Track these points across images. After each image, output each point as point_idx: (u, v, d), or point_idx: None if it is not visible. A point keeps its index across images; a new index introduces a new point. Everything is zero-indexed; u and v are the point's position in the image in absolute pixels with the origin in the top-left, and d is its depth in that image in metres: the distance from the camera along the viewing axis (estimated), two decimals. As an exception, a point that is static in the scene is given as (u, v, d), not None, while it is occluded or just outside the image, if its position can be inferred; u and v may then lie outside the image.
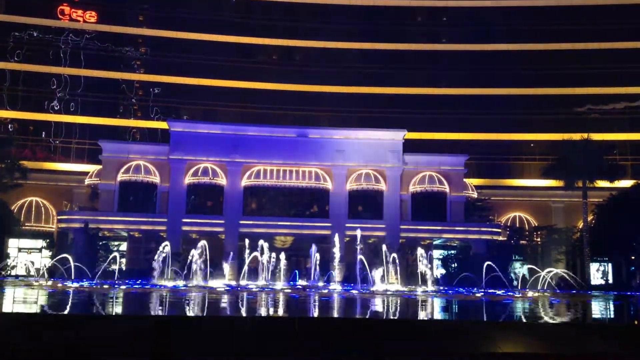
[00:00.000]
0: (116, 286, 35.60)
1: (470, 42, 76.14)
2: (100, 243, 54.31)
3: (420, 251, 47.44)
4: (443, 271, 58.01)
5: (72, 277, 42.41)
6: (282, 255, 46.94)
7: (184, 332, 13.22)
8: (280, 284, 43.01)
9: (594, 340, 13.61)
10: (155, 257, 43.10)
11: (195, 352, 12.50)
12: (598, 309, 28.04)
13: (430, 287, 43.66)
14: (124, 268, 54.40)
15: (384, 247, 48.27)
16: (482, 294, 36.89)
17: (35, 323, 14.05)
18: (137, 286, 37.22)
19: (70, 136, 71.22)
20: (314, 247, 46.66)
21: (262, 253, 44.98)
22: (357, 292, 37.58)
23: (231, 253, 52.43)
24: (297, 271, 50.81)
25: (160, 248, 43.76)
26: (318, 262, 47.84)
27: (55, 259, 48.00)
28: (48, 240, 61.11)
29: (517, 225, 66.24)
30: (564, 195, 65.20)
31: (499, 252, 55.25)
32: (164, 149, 58.95)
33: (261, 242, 45.86)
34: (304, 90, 74.99)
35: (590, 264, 58.56)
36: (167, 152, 58.24)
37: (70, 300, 24.42)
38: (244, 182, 58.00)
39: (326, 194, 58.75)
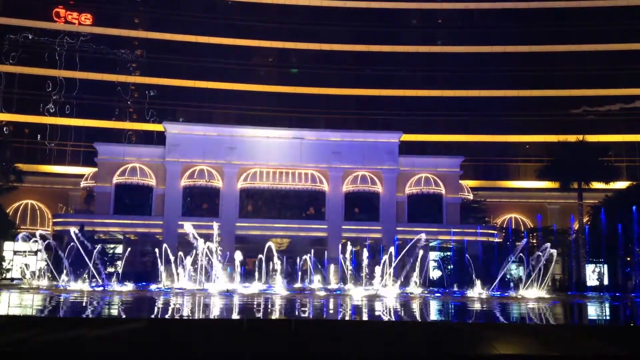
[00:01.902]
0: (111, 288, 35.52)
1: (466, 44, 76.29)
2: (97, 246, 54.07)
3: (419, 253, 47.37)
4: (439, 273, 58.05)
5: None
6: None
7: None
8: (275, 287, 42.89)
9: (591, 341, 13.64)
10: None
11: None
12: (594, 310, 28.10)
13: (427, 289, 43.66)
14: (120, 271, 54.24)
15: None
16: (478, 295, 36.95)
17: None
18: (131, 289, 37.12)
19: (65, 139, 71.03)
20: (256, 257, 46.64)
21: (266, 257, 44.91)
22: (354, 293, 37.53)
23: (227, 255, 52.27)
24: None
25: (199, 253, 43.47)
26: (312, 264, 47.81)
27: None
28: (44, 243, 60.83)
29: (513, 227, 66.28)
30: (560, 196, 65.36)
31: (494, 253, 55.26)
32: (160, 151, 58.86)
33: (269, 244, 45.79)
34: (300, 92, 75.02)
35: (586, 265, 58.67)
36: (163, 155, 58.15)
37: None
38: (240, 184, 57.94)
39: (322, 196, 58.76)
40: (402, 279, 46.37)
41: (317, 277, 48.59)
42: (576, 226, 60.96)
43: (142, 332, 13.40)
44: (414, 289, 42.79)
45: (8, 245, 61.70)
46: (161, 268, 43.07)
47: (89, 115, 71.93)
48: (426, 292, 41.70)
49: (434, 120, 74.71)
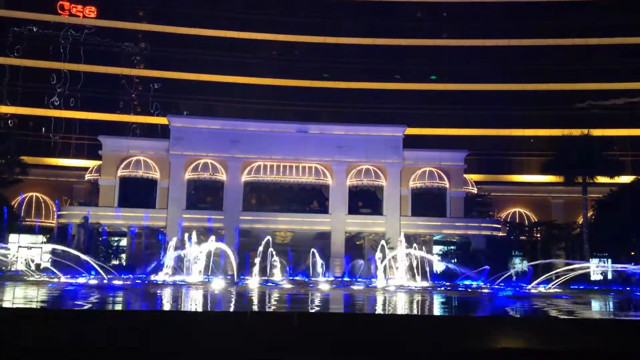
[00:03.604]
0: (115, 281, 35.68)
1: (470, 38, 76.08)
2: (100, 238, 54.33)
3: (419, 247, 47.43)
4: (443, 266, 58.07)
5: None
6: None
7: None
8: (279, 280, 43.06)
9: (594, 336, 13.65)
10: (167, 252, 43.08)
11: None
12: (598, 304, 28.10)
13: (430, 283, 43.73)
14: (124, 263, 54.50)
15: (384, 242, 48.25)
16: (482, 289, 36.95)
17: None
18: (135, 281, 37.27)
19: (70, 131, 71.22)
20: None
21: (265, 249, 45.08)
22: (356, 287, 37.60)
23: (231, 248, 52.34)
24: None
25: (171, 244, 43.62)
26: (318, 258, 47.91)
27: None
28: (48, 236, 61.10)
29: (517, 221, 66.27)
30: (564, 191, 65.24)
31: (498, 247, 55.29)
32: (164, 144, 58.94)
33: (268, 238, 45.96)
34: (304, 86, 74.97)
35: (590, 259, 58.59)
36: (167, 148, 58.24)
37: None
38: (244, 177, 58.02)
39: (326, 190, 58.79)
40: (407, 272, 46.47)
41: (320, 270, 48.67)
42: (580, 220, 60.87)
43: (144, 325, 13.45)
44: (418, 282, 42.85)
45: (13, 238, 61.96)
46: (166, 261, 43.18)
47: (93, 108, 72.08)
48: (430, 285, 41.71)
49: (438, 114, 74.58)
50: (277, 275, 45.37)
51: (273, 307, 20.92)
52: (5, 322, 12.97)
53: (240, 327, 13.26)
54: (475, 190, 63.90)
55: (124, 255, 57.16)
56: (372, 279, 43.46)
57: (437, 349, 12.70)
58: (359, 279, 46.26)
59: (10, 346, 11.81)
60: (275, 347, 12.47)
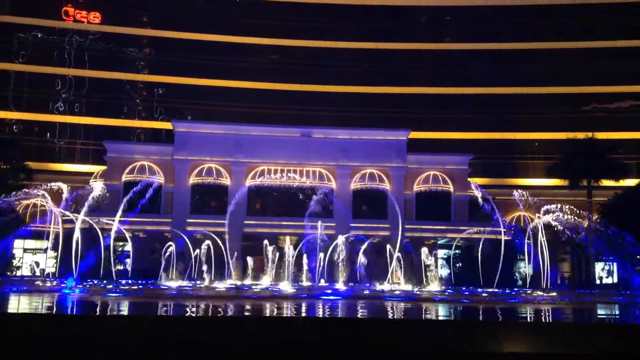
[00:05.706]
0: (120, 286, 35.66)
1: (474, 42, 76.03)
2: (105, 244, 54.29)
3: (425, 251, 47.41)
4: (448, 271, 57.92)
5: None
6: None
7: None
8: (284, 284, 42.97)
9: (599, 340, 13.57)
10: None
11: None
12: (603, 308, 27.97)
13: (435, 287, 43.60)
14: (129, 268, 54.52)
15: (389, 247, 48.20)
16: (487, 293, 36.83)
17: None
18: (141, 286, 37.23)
19: (74, 137, 71.40)
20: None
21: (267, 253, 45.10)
22: (362, 292, 37.49)
23: (235, 253, 52.38)
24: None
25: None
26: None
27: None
28: (53, 241, 61.08)
29: (522, 225, 65.95)
30: (569, 194, 64.96)
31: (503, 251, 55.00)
32: (168, 149, 59.03)
33: (265, 242, 46.00)
34: (308, 90, 75.01)
35: (595, 263, 58.36)
36: (172, 153, 58.32)
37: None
38: (248, 182, 58.02)
39: (330, 194, 58.72)
40: (410, 277, 46.39)
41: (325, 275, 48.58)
42: (585, 224, 60.62)
43: (147, 327, 13.46)
44: (422, 286, 42.74)
45: (18, 243, 62.06)
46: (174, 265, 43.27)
47: (98, 113, 72.30)
48: (433, 290, 41.59)
49: (442, 117, 74.50)
50: (281, 280, 45.28)
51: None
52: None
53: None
54: (479, 194, 63.71)
55: (128, 261, 57.12)
56: (367, 284, 43.34)
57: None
58: (363, 284, 46.13)
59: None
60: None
